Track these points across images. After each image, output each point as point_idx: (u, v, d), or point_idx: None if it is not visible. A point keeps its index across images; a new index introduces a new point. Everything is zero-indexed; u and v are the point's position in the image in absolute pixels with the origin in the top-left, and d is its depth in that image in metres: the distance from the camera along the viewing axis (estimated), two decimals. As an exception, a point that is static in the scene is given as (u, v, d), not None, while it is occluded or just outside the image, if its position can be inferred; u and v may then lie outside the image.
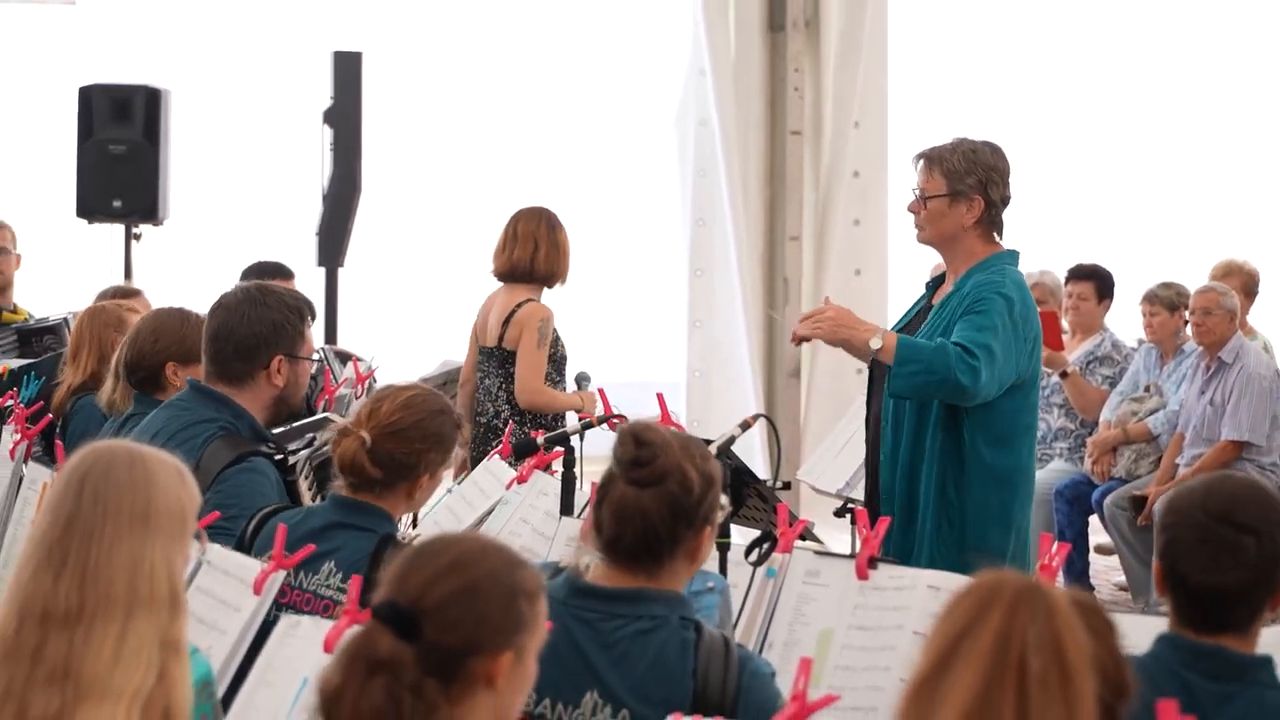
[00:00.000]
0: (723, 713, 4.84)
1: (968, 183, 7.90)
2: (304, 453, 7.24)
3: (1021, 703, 3.10)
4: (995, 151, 8.05)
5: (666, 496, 4.98)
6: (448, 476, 7.02)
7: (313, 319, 7.33)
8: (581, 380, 10.17)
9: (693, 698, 4.89)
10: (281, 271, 11.22)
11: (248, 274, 11.06)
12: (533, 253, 10.20)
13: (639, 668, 4.93)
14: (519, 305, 10.17)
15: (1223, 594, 4.57)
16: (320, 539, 6.03)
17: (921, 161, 8.03)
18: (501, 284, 10.32)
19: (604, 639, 4.94)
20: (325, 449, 7.14)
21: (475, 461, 9.33)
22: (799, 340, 8.06)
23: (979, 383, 7.59)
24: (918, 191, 8.03)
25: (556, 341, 10.15)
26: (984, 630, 3.16)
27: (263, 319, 7.15)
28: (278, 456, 6.98)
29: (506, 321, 10.18)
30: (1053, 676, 3.13)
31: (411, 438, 6.12)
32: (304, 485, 7.11)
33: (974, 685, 3.12)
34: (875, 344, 7.69)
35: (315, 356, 7.36)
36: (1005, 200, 7.98)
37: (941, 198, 7.94)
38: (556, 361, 10.18)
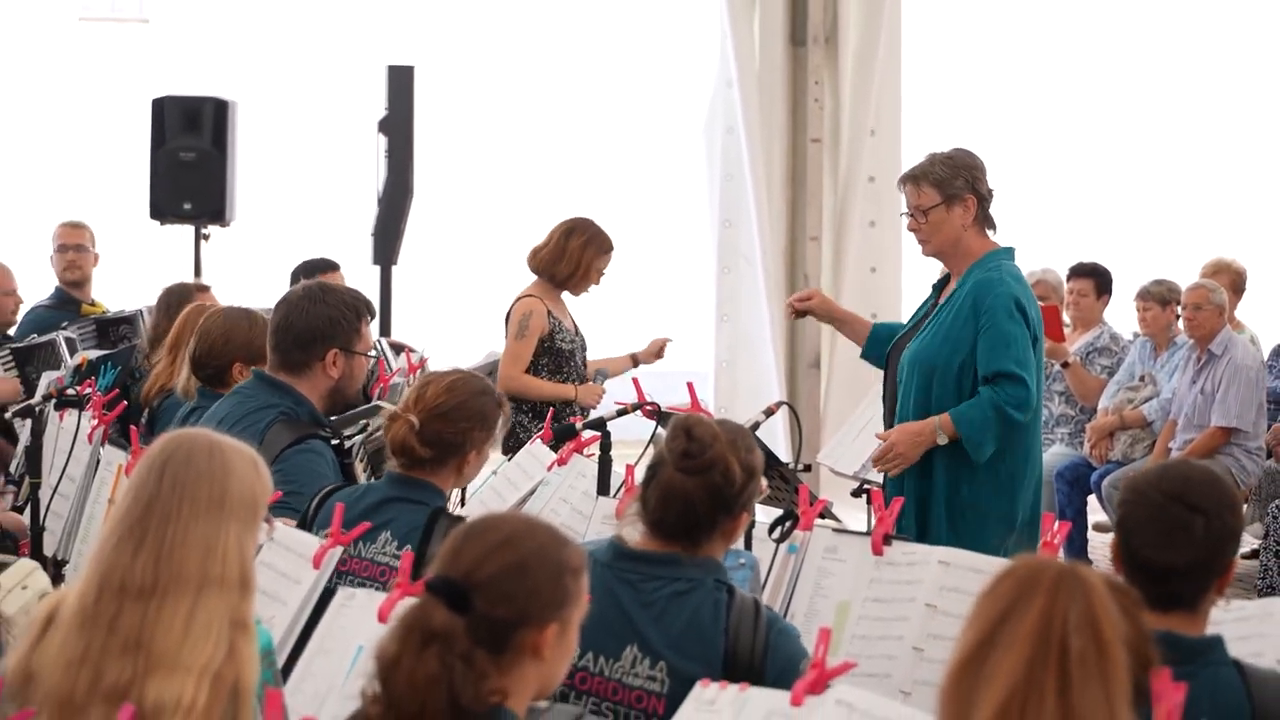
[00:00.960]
0: (752, 666, 4.94)
1: (957, 185, 7.94)
2: (358, 438, 7.25)
3: (1063, 681, 3.09)
4: (968, 153, 8.11)
5: (710, 486, 5.10)
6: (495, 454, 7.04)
7: (371, 318, 7.30)
8: (599, 375, 10.16)
9: (724, 653, 4.99)
10: (329, 266, 11.21)
11: (297, 271, 11.06)
12: (540, 250, 10.21)
13: (676, 624, 5.01)
14: (519, 299, 10.18)
15: (1172, 571, 4.55)
16: (377, 512, 6.09)
17: (908, 184, 8.06)
18: (535, 278, 10.33)
19: (644, 598, 5.03)
20: (378, 434, 7.16)
21: (511, 444, 9.34)
22: (892, 473, 8.10)
23: (1031, 405, 7.85)
24: (913, 211, 8.04)
25: (555, 335, 10.08)
26: (1027, 613, 3.15)
27: (321, 314, 7.18)
28: (334, 441, 7.00)
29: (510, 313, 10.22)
30: (1091, 655, 3.12)
31: (456, 418, 6.17)
32: (359, 468, 7.12)
33: (1018, 665, 3.11)
34: (942, 440, 7.88)
35: (371, 353, 7.32)
36: (991, 194, 8.03)
37: (938, 206, 7.95)
38: (554, 353, 10.10)
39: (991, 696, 3.11)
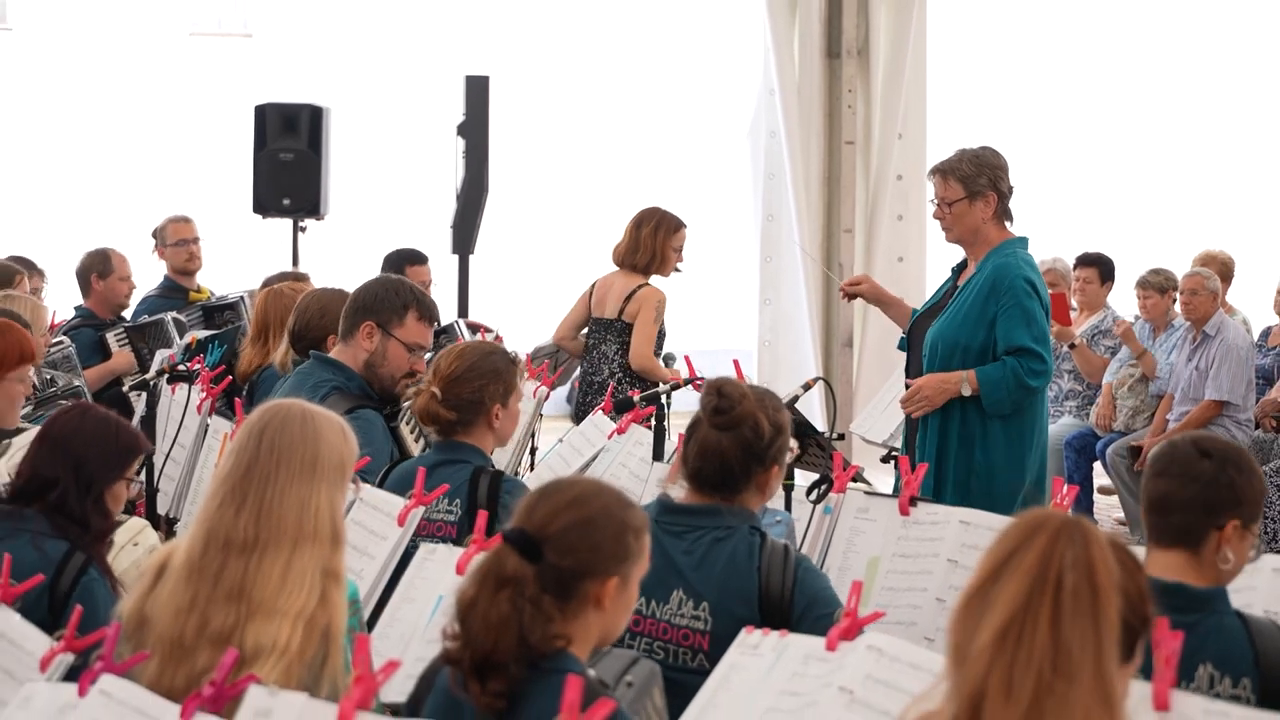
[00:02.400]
0: (782, 600, 5.06)
1: (980, 183, 7.96)
2: (406, 405, 7.25)
3: (1056, 611, 3.09)
4: (994, 152, 8.13)
5: (741, 440, 5.19)
6: (558, 426, 7.04)
7: (422, 316, 7.21)
8: (668, 359, 10.17)
9: (759, 589, 5.08)
10: (417, 257, 11.20)
11: (389, 259, 11.07)
12: (620, 245, 10.22)
13: (716, 568, 5.09)
14: (639, 287, 10.16)
15: (1171, 500, 4.58)
16: (429, 476, 6.04)
17: (937, 175, 8.08)
18: (618, 269, 10.32)
19: (687, 546, 5.10)
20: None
21: (584, 413, 9.35)
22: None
23: (1047, 374, 7.94)
24: (939, 201, 8.05)
25: (662, 323, 10.13)
26: (1029, 551, 3.15)
27: (369, 291, 7.27)
28: (386, 410, 7.09)
29: (628, 299, 10.17)
30: (1084, 593, 3.12)
31: (470, 378, 6.22)
32: (406, 430, 7.13)
33: (1018, 595, 3.12)
34: (965, 391, 7.91)
35: (415, 345, 7.25)
36: (1011, 190, 8.05)
37: (961, 200, 7.98)
38: (661, 337, 10.17)
39: (992, 621, 3.12)
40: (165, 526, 7.97)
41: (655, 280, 10.33)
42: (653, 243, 10.18)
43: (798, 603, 5.05)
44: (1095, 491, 13.10)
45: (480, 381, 6.23)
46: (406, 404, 7.31)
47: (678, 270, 10.39)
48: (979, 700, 3.09)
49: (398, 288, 7.31)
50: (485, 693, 3.90)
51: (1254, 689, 4.47)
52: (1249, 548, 4.75)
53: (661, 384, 9.40)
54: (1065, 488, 5.77)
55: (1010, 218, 8.10)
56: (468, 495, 6.06)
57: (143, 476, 7.98)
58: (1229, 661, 4.49)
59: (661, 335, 10.18)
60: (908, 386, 8.28)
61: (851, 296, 9.00)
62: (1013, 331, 7.82)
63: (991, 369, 7.84)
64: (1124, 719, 3.13)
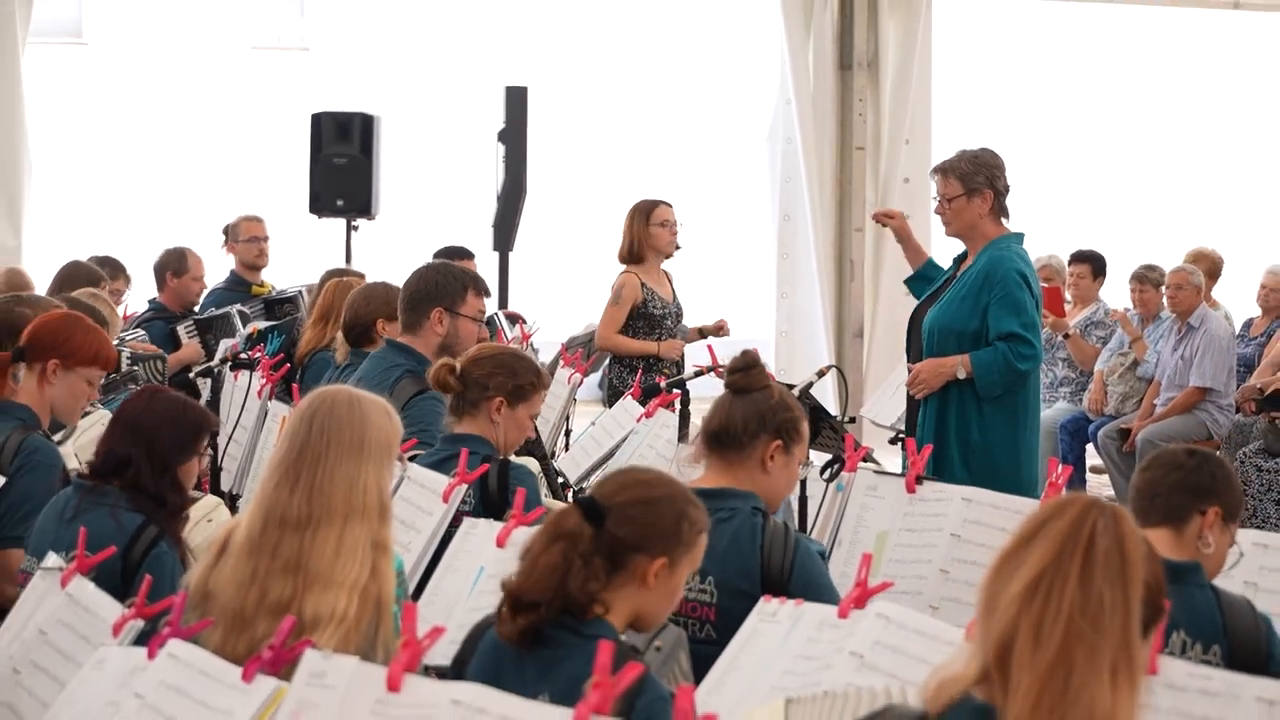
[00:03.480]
0: (781, 577, 5.05)
1: (978, 181, 7.99)
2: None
3: (1086, 570, 3.03)
4: (991, 153, 8.17)
5: (751, 402, 5.26)
6: (590, 410, 7.05)
7: (478, 290, 7.29)
8: (680, 331, 10.12)
9: (760, 566, 5.08)
10: (464, 253, 11.28)
11: (438, 255, 11.12)
12: (625, 247, 10.16)
13: (720, 546, 5.00)
14: (619, 274, 10.15)
15: (1157, 485, 4.63)
16: (439, 468, 6.03)
17: (938, 174, 8.10)
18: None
19: None
20: None
21: (616, 397, 9.36)
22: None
23: (1037, 359, 7.94)
24: (940, 198, 8.07)
25: (648, 303, 10.02)
26: (1062, 518, 3.10)
27: (428, 280, 7.29)
28: None
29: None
30: (1114, 558, 3.06)
31: (485, 364, 6.22)
32: None
33: (1049, 553, 3.05)
34: (961, 374, 7.92)
35: (478, 316, 7.30)
36: (1007, 188, 8.07)
37: (960, 197, 8.02)
38: (647, 318, 10.03)
39: (1023, 575, 3.06)
40: (229, 501, 7.99)
41: (666, 264, 10.27)
42: (630, 232, 10.13)
43: (795, 582, 5.04)
44: (1088, 471, 13.10)
45: (493, 370, 6.20)
46: None
47: (678, 248, 10.28)
48: (1008, 646, 3.03)
49: (451, 271, 7.38)
50: (512, 623, 3.96)
51: (1223, 655, 4.50)
52: (1228, 543, 4.76)
53: (689, 365, 9.44)
54: (1060, 468, 5.78)
55: (1006, 214, 8.13)
56: (479, 483, 6.00)
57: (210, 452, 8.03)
58: (1200, 630, 4.52)
59: (651, 315, 10.04)
60: (909, 369, 8.31)
61: (883, 223, 9.12)
62: (1003, 319, 7.85)
63: (984, 353, 7.86)
64: (1142, 676, 3.09)
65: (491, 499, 5.93)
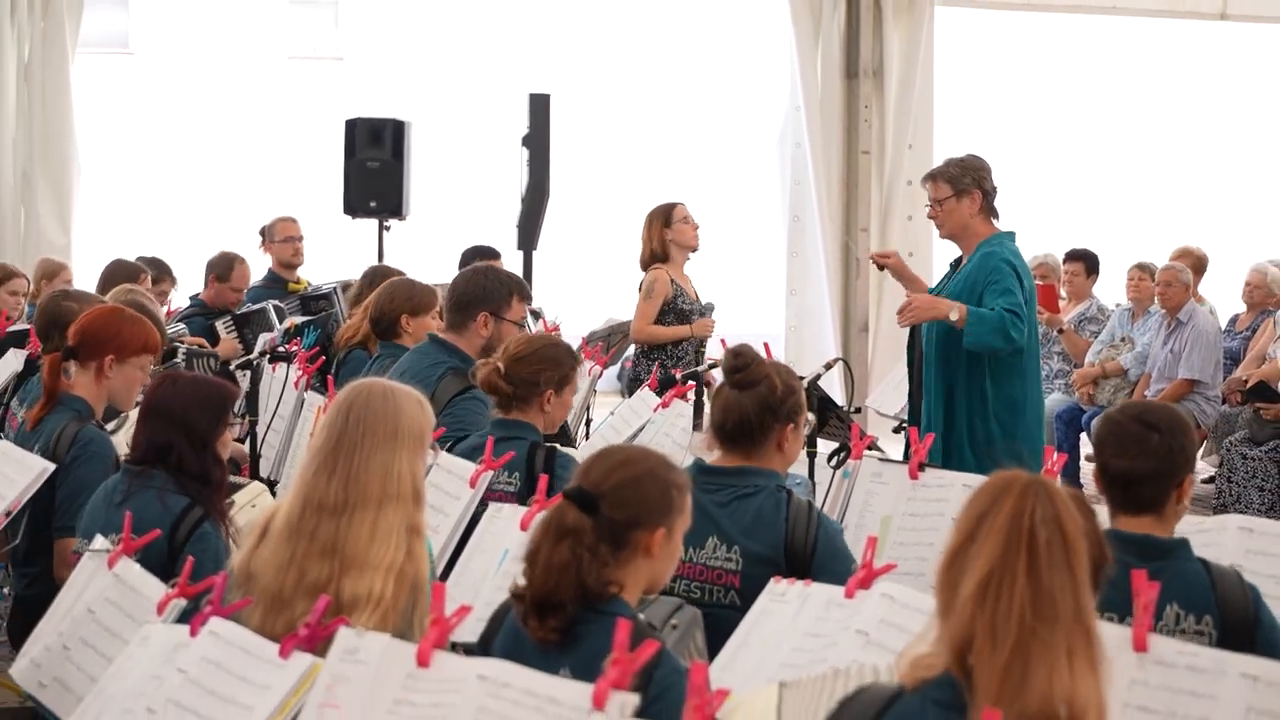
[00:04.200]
0: (805, 550, 5.06)
1: (965, 182, 7.99)
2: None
3: (1032, 564, 3.04)
4: (976, 157, 8.19)
5: (758, 396, 5.23)
6: (609, 401, 7.07)
7: (522, 296, 7.31)
8: (707, 309, 10.08)
9: (784, 539, 5.09)
10: (491, 253, 11.29)
11: (466, 253, 11.15)
12: (646, 251, 10.12)
13: (745, 518, 5.11)
14: (649, 271, 10.10)
15: (1134, 476, 4.57)
16: (498, 449, 6.03)
17: (929, 181, 8.11)
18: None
19: (720, 500, 5.12)
20: None
21: (634, 387, 9.36)
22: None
23: (1022, 334, 7.78)
24: (931, 202, 8.06)
25: (677, 299, 9.99)
26: (1000, 512, 3.10)
27: (476, 284, 7.26)
28: None
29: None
30: (1057, 545, 3.07)
31: (530, 361, 6.21)
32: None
33: (993, 552, 3.07)
34: (953, 316, 7.80)
35: (520, 321, 7.32)
36: (995, 189, 8.06)
37: (949, 198, 8.02)
38: (677, 312, 9.99)
39: (972, 576, 3.07)
40: (267, 486, 8.00)
41: (694, 259, 10.25)
42: (650, 236, 10.09)
43: (819, 554, 5.05)
44: (1082, 458, 13.08)
45: (539, 366, 6.21)
46: None
47: (699, 241, 10.25)
48: (965, 647, 3.06)
49: (498, 276, 7.38)
50: (543, 628, 3.93)
51: (1215, 624, 4.48)
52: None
53: (706, 359, 9.43)
54: (1055, 455, 5.81)
55: (996, 214, 8.13)
56: (526, 468, 6.07)
57: (247, 445, 8.04)
58: (1193, 602, 4.50)
59: (680, 310, 10.03)
60: (911, 368, 8.30)
61: (881, 267, 8.98)
62: (994, 301, 7.81)
63: (982, 309, 7.77)
64: (1103, 650, 3.10)
65: (535, 483, 5.93)
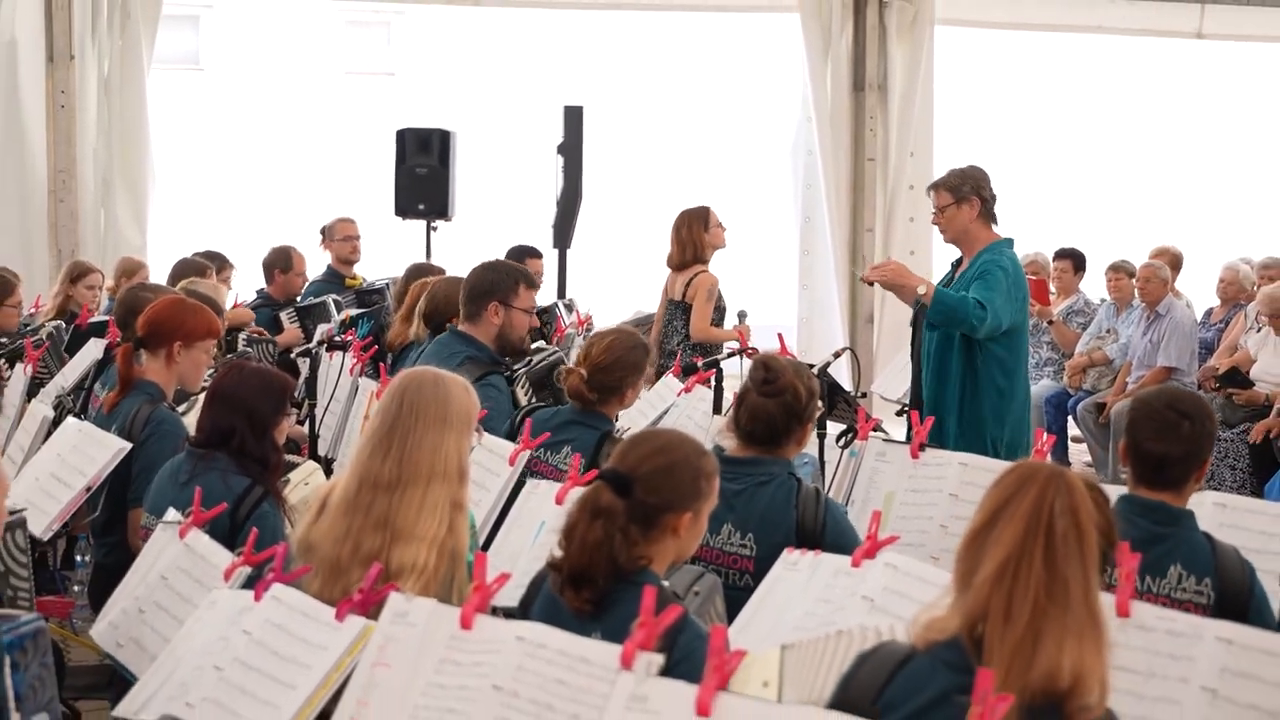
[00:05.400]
0: (815, 533, 5.05)
1: (965, 190, 7.93)
2: (522, 370, 7.30)
3: (1049, 551, 3.10)
4: (975, 167, 8.12)
5: (784, 404, 5.24)
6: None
7: (529, 285, 7.30)
8: (742, 315, 10.06)
9: (795, 524, 5.10)
10: (534, 252, 11.36)
11: (511, 252, 11.19)
12: (672, 253, 10.07)
13: (759, 506, 5.11)
14: (696, 274, 10.05)
15: (1164, 458, 4.60)
16: (563, 430, 6.19)
17: (932, 190, 8.06)
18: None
19: (736, 490, 5.10)
20: (539, 366, 7.22)
21: (659, 374, 9.35)
22: (869, 282, 8.05)
23: (984, 323, 7.59)
24: (935, 209, 8.02)
25: (720, 297, 10.01)
26: (1023, 500, 3.15)
27: (485, 278, 7.26)
28: (507, 374, 7.13)
29: (688, 285, 10.08)
30: (1072, 535, 3.13)
31: (614, 369, 6.23)
32: (520, 391, 7.18)
33: (1014, 537, 3.12)
34: (921, 290, 7.71)
35: (529, 308, 7.31)
36: (993, 196, 7.99)
37: (951, 206, 7.95)
38: (719, 310, 10.04)
39: (993, 558, 3.12)
40: (324, 465, 8.01)
41: (716, 257, 10.21)
42: (690, 237, 10.05)
43: (827, 537, 5.05)
44: (1069, 440, 13.09)
45: (622, 373, 6.25)
46: (521, 370, 7.36)
47: (726, 240, 10.24)
48: (980, 621, 3.11)
49: (505, 269, 7.36)
50: (578, 598, 3.94)
51: (1213, 588, 4.52)
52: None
53: (725, 347, 9.42)
54: (1045, 437, 5.80)
55: (995, 220, 8.07)
56: (592, 456, 6.03)
57: (306, 426, 8.05)
58: (1195, 565, 4.54)
59: (721, 310, 10.07)
60: (912, 355, 8.28)
61: (871, 283, 8.93)
62: (974, 291, 7.76)
63: (949, 291, 7.67)
64: (1106, 631, 3.14)
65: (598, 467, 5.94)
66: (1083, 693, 3.06)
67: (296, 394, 6.41)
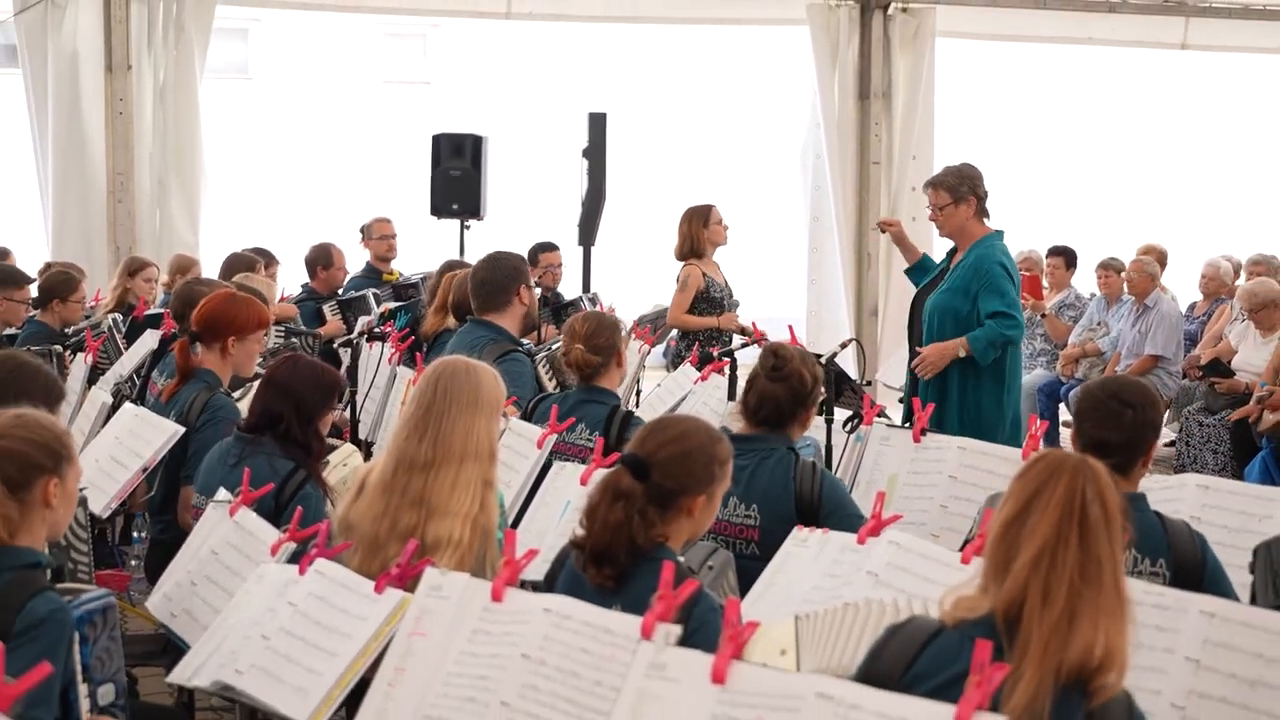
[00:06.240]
0: (812, 503, 5.08)
1: (962, 190, 7.96)
2: (543, 354, 7.38)
3: (1084, 536, 3.11)
4: (971, 166, 8.18)
5: (791, 389, 5.31)
6: (656, 375, 7.09)
7: (530, 262, 7.55)
8: (733, 305, 10.00)
9: (794, 494, 5.12)
10: (549, 246, 11.47)
11: (532, 249, 11.23)
12: (684, 245, 10.02)
13: (761, 479, 5.15)
14: (684, 268, 10.01)
15: (1109, 445, 4.53)
16: (575, 410, 6.26)
17: (930, 188, 8.08)
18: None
19: (740, 465, 5.04)
20: (557, 350, 7.26)
21: (675, 361, 9.35)
22: (922, 373, 8.06)
23: (1020, 329, 7.90)
24: (932, 207, 8.02)
25: (709, 289, 9.89)
26: (1056, 488, 3.16)
27: (500, 270, 7.43)
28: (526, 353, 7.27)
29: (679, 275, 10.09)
30: (1101, 520, 3.14)
31: (600, 333, 6.39)
32: (541, 370, 7.25)
33: (1051, 525, 3.12)
34: (962, 353, 7.86)
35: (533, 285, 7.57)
36: (986, 194, 8.03)
37: (949, 205, 7.98)
38: (709, 300, 9.87)
39: (1031, 545, 3.12)
40: (364, 448, 8.03)
41: (725, 253, 10.17)
42: (689, 231, 9.98)
43: (825, 504, 5.09)
44: (1061, 426, 13.07)
45: (609, 333, 6.40)
46: (542, 353, 7.41)
47: (728, 239, 10.19)
48: (1019, 605, 3.11)
49: (509, 259, 7.59)
50: (600, 575, 3.95)
51: (1168, 566, 4.50)
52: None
53: (735, 338, 9.41)
54: (1039, 422, 5.80)
55: (987, 215, 8.10)
56: (605, 428, 6.17)
57: (347, 411, 8.07)
58: (1149, 548, 4.52)
59: (714, 299, 9.94)
60: (911, 346, 8.28)
61: (884, 230, 8.99)
62: (990, 301, 7.83)
63: (979, 332, 7.81)
64: (1132, 610, 3.16)
65: (610, 443, 5.94)
66: (1109, 669, 3.06)
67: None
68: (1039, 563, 3.11)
